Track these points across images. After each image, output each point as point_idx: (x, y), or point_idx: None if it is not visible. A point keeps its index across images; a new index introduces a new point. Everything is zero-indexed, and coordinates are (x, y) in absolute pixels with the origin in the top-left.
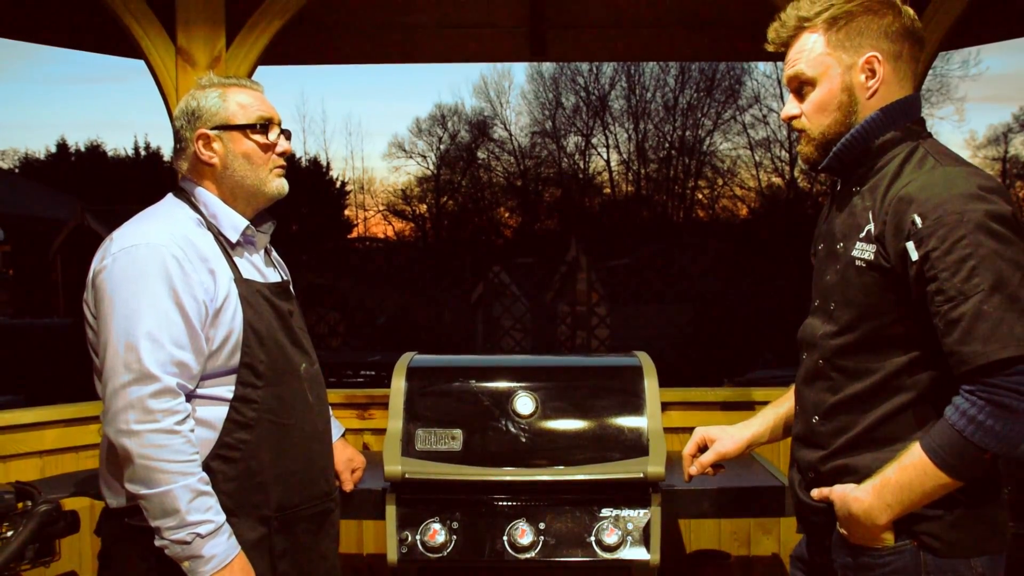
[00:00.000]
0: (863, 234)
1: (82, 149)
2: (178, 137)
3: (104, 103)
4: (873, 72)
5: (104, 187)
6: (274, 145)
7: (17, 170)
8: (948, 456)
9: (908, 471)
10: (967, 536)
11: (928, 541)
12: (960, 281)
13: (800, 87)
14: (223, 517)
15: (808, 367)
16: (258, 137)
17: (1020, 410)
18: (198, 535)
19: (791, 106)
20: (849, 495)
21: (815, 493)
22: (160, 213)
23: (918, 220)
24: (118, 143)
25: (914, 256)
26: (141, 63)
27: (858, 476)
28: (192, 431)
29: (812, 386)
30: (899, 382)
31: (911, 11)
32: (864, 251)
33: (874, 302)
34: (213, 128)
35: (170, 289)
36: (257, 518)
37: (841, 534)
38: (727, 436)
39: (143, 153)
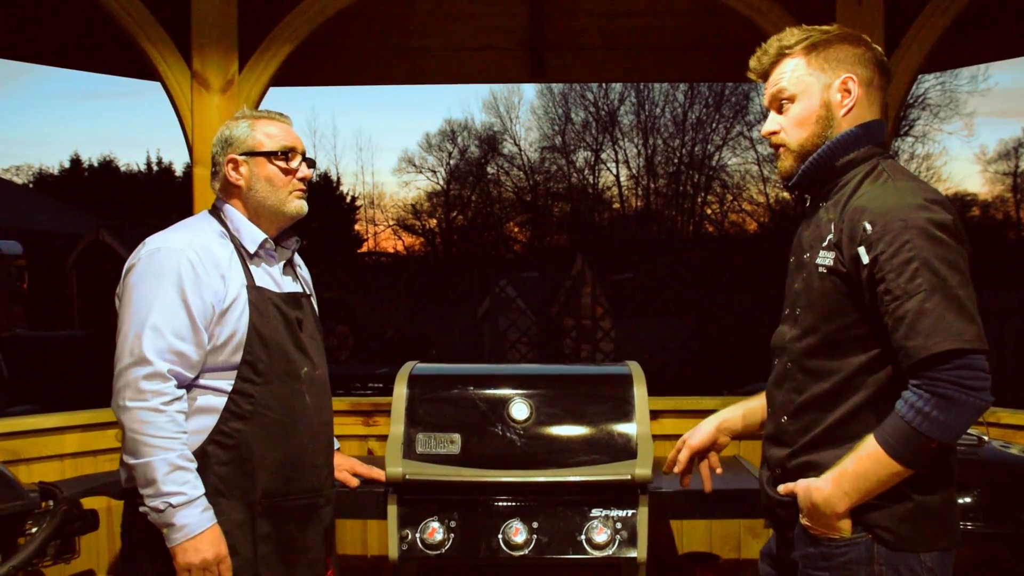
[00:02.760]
0: (825, 243)
1: (95, 165)
2: (213, 162)
3: (117, 119)
4: (849, 91)
5: (117, 202)
6: (295, 171)
7: (31, 185)
8: (898, 445)
9: (863, 461)
10: (917, 531)
11: (881, 534)
12: (904, 281)
13: (781, 105)
14: (200, 492)
15: (778, 370)
16: (280, 163)
17: (961, 401)
18: (170, 504)
19: (771, 122)
20: (811, 486)
21: (781, 488)
22: (189, 224)
23: (868, 227)
24: (131, 158)
25: (865, 260)
26: (153, 81)
27: (820, 471)
28: (181, 412)
29: (781, 388)
30: (858, 382)
31: (879, 48)
32: (825, 258)
33: (833, 305)
34: (241, 154)
35: (179, 288)
36: (244, 501)
37: (804, 526)
38: (694, 431)
39: (155, 168)
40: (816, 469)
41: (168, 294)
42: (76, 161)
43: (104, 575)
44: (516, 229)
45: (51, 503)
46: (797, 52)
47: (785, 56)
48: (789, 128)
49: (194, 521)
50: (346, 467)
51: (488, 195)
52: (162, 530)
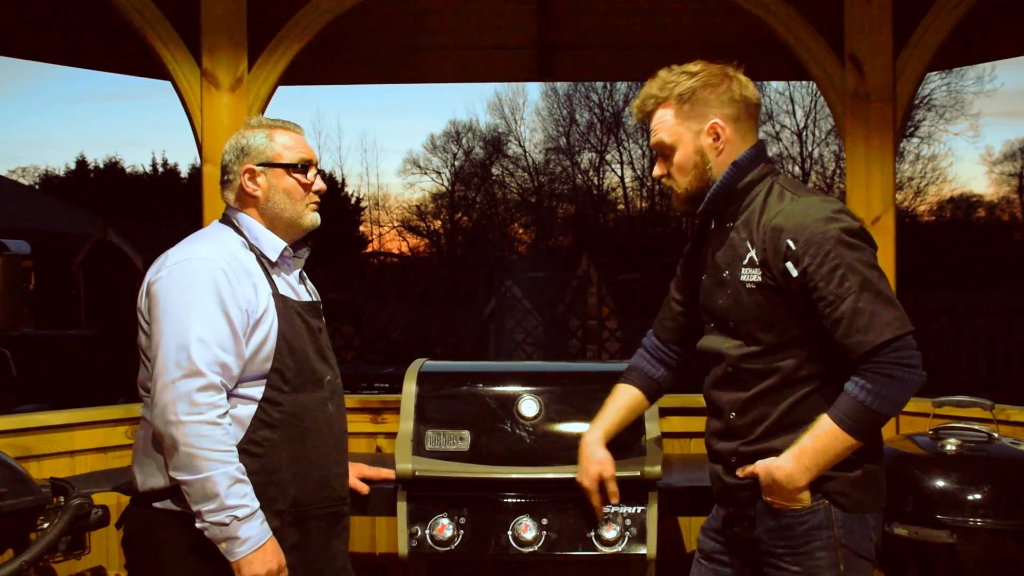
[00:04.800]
0: (746, 261)
1: (101, 166)
2: (226, 170)
3: (122, 121)
4: (718, 135)
5: (123, 203)
6: (311, 184)
7: (37, 186)
8: (853, 422)
9: (822, 438)
10: (865, 494)
11: (838, 499)
12: (835, 287)
13: (661, 152)
14: (257, 504)
15: (717, 375)
16: (298, 176)
17: (904, 378)
18: (235, 517)
19: (659, 168)
20: (772, 465)
21: (740, 472)
22: (209, 235)
23: (791, 243)
24: (136, 160)
25: (794, 273)
26: (157, 82)
27: (777, 455)
28: (230, 425)
29: (724, 389)
30: (799, 375)
31: (744, 79)
32: (751, 275)
33: (767, 315)
34: (259, 164)
35: (218, 298)
36: (272, 511)
37: (765, 502)
38: (596, 463)
39: (160, 170)
40: (772, 453)
41: (208, 305)
42: (82, 163)
43: (113, 571)
44: (521, 230)
45: (62, 499)
46: (669, 103)
47: (659, 106)
48: (674, 173)
49: (256, 533)
50: (355, 473)
51: (493, 196)
52: (221, 544)
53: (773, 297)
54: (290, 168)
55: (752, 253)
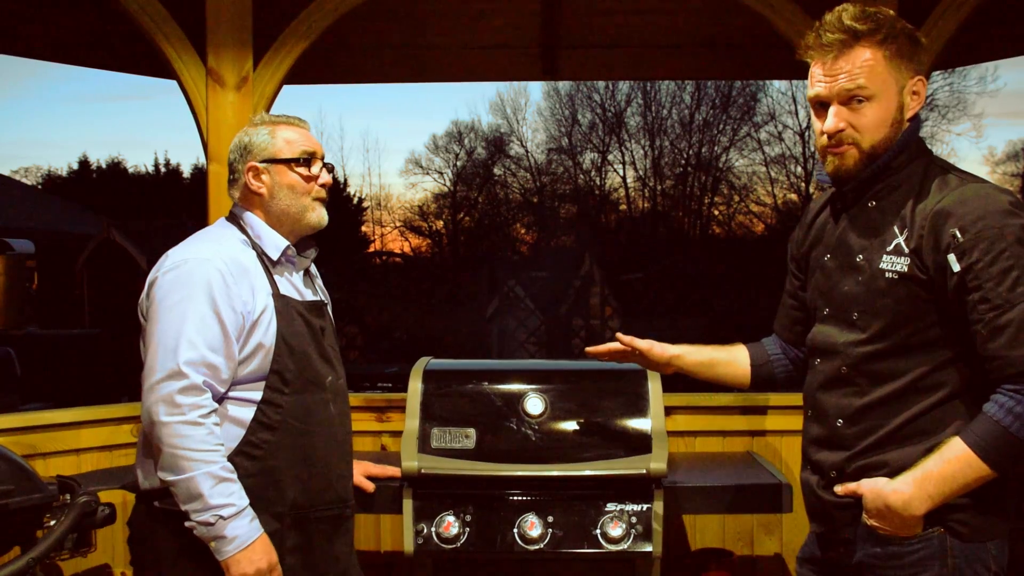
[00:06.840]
0: (891, 247)
1: (103, 166)
2: (232, 169)
3: (124, 121)
4: (917, 94)
5: (125, 203)
6: (316, 177)
7: (40, 186)
8: (991, 449)
9: (952, 464)
10: (986, 521)
11: (956, 527)
12: (1005, 290)
13: (850, 100)
14: (246, 502)
15: (828, 374)
16: (301, 170)
17: None
18: (221, 517)
19: (838, 119)
20: (885, 489)
21: (840, 489)
22: (210, 234)
23: (958, 234)
24: (138, 160)
25: (955, 267)
26: (160, 82)
27: (889, 470)
28: (217, 424)
29: (833, 392)
30: (930, 381)
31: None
32: (895, 263)
33: (907, 310)
34: (262, 161)
35: (211, 299)
36: (271, 514)
37: (869, 526)
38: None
39: (163, 170)
40: (880, 469)
41: (200, 306)
42: (84, 163)
43: (119, 569)
44: (523, 231)
45: (68, 497)
46: (873, 43)
47: (857, 44)
48: (865, 128)
49: (244, 532)
50: (360, 471)
51: (495, 196)
52: (210, 543)
53: (918, 291)
54: (292, 163)
55: (900, 240)
